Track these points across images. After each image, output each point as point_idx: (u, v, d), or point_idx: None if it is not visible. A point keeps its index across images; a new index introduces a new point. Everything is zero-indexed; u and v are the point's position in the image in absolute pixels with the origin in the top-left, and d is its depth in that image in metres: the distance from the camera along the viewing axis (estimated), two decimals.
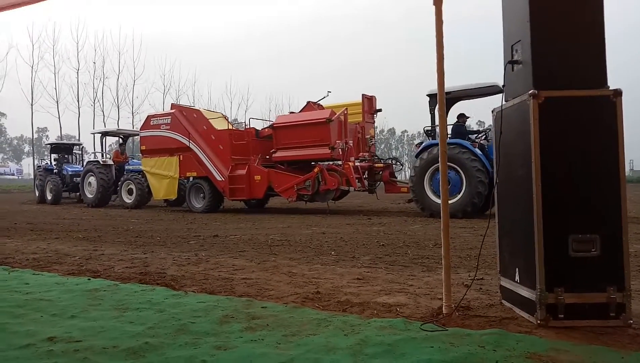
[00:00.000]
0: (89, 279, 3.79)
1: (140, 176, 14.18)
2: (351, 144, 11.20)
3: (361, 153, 11.78)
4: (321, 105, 12.21)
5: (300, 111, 12.27)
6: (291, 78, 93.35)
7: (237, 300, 3.04)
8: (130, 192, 14.44)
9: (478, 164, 8.91)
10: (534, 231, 2.40)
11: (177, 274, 3.99)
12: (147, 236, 7.04)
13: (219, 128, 12.19)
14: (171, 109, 13.00)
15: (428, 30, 2.72)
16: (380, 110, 12.52)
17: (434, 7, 2.73)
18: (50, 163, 19.02)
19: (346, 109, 11.29)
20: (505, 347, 2.12)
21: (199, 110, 13.03)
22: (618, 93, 2.41)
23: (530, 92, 2.44)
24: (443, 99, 2.79)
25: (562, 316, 2.38)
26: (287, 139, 11.28)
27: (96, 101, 38.74)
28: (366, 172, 11.49)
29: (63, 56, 48.85)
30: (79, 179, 16.31)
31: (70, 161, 19.30)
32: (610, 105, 2.41)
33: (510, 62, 2.72)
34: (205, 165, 11.91)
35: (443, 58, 2.73)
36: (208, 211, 11.95)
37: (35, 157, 43.11)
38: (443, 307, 2.70)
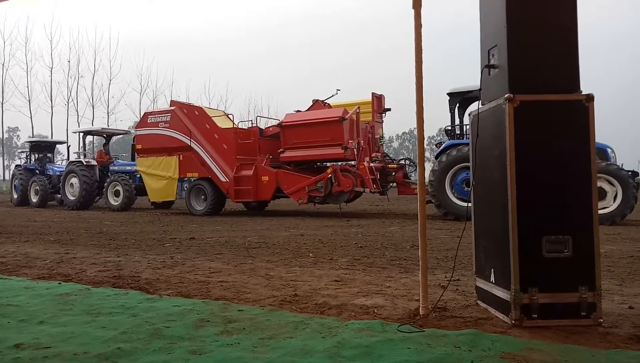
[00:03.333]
0: (60, 283, 3.68)
1: (127, 177, 13.61)
2: (363, 144, 10.84)
3: (373, 154, 11.42)
4: (329, 103, 11.82)
5: (307, 110, 11.72)
6: (271, 80, 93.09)
7: (213, 304, 3.00)
8: (116, 194, 13.84)
9: None
10: (509, 233, 2.44)
11: (151, 277, 3.91)
12: (121, 238, 6.89)
13: (222, 126, 11.61)
14: (170, 106, 12.39)
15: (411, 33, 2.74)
16: (389, 109, 12.13)
17: (412, 10, 2.75)
18: (31, 162, 17.84)
19: (358, 107, 10.87)
20: (481, 347, 2.15)
21: (200, 107, 12.39)
22: (590, 98, 2.47)
23: (505, 96, 2.48)
24: (421, 102, 2.80)
25: (536, 316, 2.42)
26: (297, 138, 10.78)
27: (70, 100, 37.96)
28: (378, 173, 11.04)
29: (36, 54, 47.71)
30: None
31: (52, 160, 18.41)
32: (583, 109, 2.47)
33: (486, 67, 2.76)
34: (208, 165, 11.39)
35: (422, 62, 2.75)
36: (210, 214, 11.37)
37: (5, 158, 41.81)
38: (420, 308, 2.71)
